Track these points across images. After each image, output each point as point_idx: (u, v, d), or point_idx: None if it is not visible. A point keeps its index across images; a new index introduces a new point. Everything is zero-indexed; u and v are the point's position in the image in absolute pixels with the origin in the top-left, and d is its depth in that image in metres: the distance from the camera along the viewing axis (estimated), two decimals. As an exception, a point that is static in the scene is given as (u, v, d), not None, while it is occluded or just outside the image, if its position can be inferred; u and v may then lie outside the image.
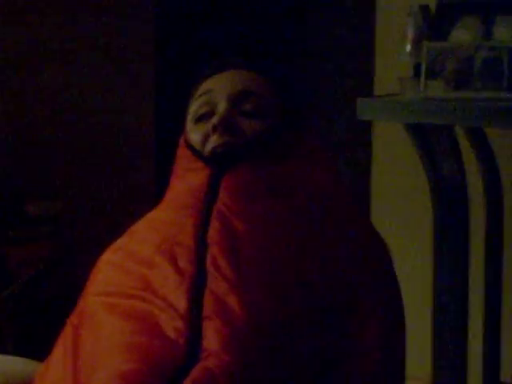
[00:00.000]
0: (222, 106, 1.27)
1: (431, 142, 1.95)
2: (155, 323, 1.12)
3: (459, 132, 2.04)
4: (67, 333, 1.23)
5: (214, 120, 1.24)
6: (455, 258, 1.94)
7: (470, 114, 1.87)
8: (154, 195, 2.53)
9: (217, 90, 1.31)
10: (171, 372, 1.05)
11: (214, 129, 1.24)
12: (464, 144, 2.02)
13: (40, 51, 2.62)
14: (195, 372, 1.03)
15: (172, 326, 1.11)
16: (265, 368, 1.12)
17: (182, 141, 1.35)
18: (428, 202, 2.06)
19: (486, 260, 2.08)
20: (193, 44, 2.95)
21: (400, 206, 2.51)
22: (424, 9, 1.90)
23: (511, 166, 2.16)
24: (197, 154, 1.29)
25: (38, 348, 1.37)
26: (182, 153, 1.35)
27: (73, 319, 1.24)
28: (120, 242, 1.32)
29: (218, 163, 1.27)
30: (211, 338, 1.08)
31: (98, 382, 1.09)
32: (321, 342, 1.15)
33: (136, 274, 1.21)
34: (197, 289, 1.14)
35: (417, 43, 1.87)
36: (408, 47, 1.90)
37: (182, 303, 1.12)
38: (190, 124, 1.32)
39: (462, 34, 1.92)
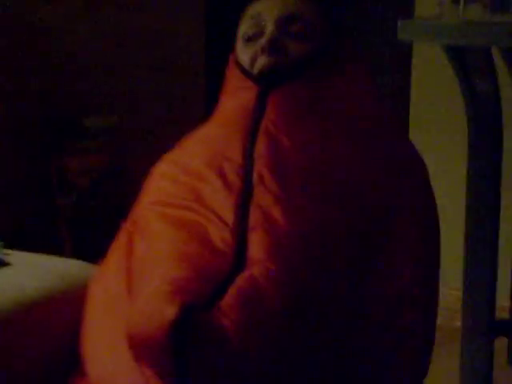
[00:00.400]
0: (269, 29, 1.34)
1: (469, 63, 2.01)
2: (204, 233, 1.21)
3: (496, 54, 2.07)
4: (121, 239, 1.33)
5: (263, 41, 1.32)
6: (489, 174, 2.04)
7: (506, 36, 1.93)
8: (203, 110, 2.72)
9: (265, 13, 1.37)
10: (218, 280, 1.13)
11: (263, 50, 1.31)
12: (500, 65, 2.09)
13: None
14: (240, 280, 1.11)
15: (220, 236, 1.18)
16: (307, 275, 1.20)
17: (231, 60, 1.43)
18: (463, 123, 2.14)
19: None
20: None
21: (437, 131, 2.61)
22: None
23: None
24: (246, 73, 1.38)
25: (94, 253, 1.44)
26: (232, 71, 1.44)
27: (127, 226, 1.34)
28: (172, 154, 1.41)
29: (265, 82, 1.34)
30: (256, 248, 1.15)
31: (149, 287, 1.17)
32: (358, 253, 1.23)
33: (187, 186, 1.30)
34: (244, 202, 1.22)
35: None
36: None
37: (229, 215, 1.20)
38: (239, 44, 1.40)
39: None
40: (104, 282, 1.32)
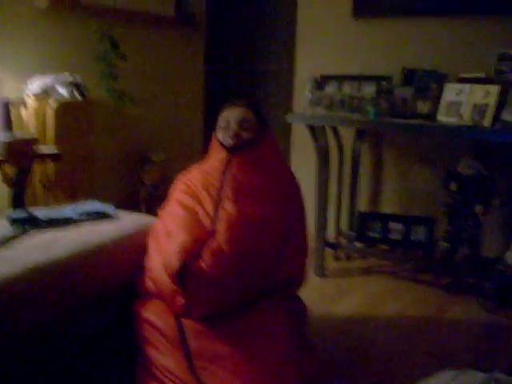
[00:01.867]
0: (233, 126, 2.23)
1: (317, 132, 3.37)
2: (199, 219, 2.05)
3: (328, 128, 3.49)
4: (160, 214, 2.24)
5: (230, 132, 2.22)
6: (323, 179, 3.45)
7: (333, 121, 3.42)
8: (201, 154, 4.04)
9: (231, 117, 2.25)
10: (202, 242, 1.94)
11: (230, 136, 2.22)
12: (329, 131, 3.49)
13: None
14: (210, 242, 1.93)
15: (206, 221, 2.03)
16: (246, 239, 1.98)
17: (214, 136, 2.31)
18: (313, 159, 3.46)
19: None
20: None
21: (303, 161, 3.83)
22: (314, 78, 3.54)
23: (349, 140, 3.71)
24: (221, 144, 2.25)
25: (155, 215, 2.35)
26: (214, 142, 2.32)
27: (163, 209, 2.26)
28: (184, 176, 2.31)
29: (230, 151, 2.22)
30: (220, 226, 1.98)
31: (172, 246, 1.96)
32: (275, 247, 2.06)
33: (193, 194, 2.17)
34: (217, 205, 2.07)
35: (311, 91, 3.47)
36: (308, 93, 3.48)
37: (211, 211, 2.05)
38: (218, 130, 2.28)
39: (329, 88, 3.52)
40: (154, 231, 2.20)
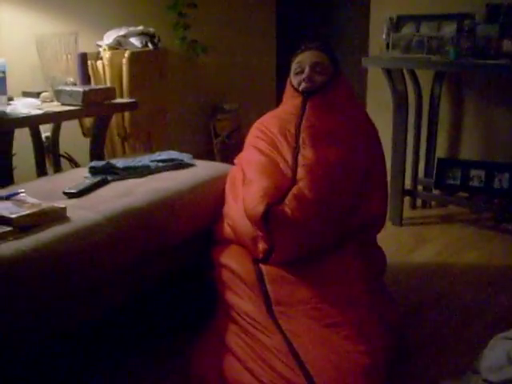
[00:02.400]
0: (306, 69, 2.21)
1: (393, 76, 3.29)
2: (278, 166, 2.07)
3: (406, 72, 3.35)
4: (237, 161, 2.28)
5: (304, 76, 2.20)
6: (401, 128, 3.34)
7: (410, 63, 3.29)
8: (274, 102, 3.97)
9: (303, 61, 2.24)
10: (284, 189, 1.96)
11: (304, 80, 2.20)
12: (406, 75, 3.37)
13: None
14: (293, 189, 1.95)
15: (285, 168, 2.05)
16: (326, 184, 1.98)
17: (288, 82, 2.32)
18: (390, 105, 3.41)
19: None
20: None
21: (379, 108, 3.71)
22: (390, 19, 3.42)
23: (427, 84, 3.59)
24: (296, 89, 2.25)
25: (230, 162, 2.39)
26: (289, 87, 2.31)
27: (239, 156, 2.30)
28: (260, 122, 2.31)
29: (305, 95, 2.21)
30: (301, 173, 2.00)
31: (253, 190, 1.97)
32: (356, 187, 2.07)
33: (270, 140, 2.18)
34: (295, 152, 2.08)
35: (387, 34, 3.35)
36: (384, 35, 3.38)
37: (289, 159, 2.07)
38: (292, 75, 2.28)
39: (406, 30, 3.38)
40: (232, 178, 2.23)
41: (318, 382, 1.58)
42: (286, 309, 1.81)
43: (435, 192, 3.61)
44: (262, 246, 1.93)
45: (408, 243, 3.17)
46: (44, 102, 2.69)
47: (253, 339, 1.77)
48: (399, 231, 3.35)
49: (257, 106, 4.13)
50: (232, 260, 2.01)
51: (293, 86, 2.27)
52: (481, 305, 2.44)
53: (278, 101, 2.44)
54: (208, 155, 3.91)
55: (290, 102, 2.27)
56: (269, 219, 1.86)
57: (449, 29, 3.24)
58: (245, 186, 2.06)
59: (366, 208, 2.12)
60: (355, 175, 2.10)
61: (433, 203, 3.77)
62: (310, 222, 1.91)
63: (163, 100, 3.44)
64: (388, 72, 3.31)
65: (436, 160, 3.59)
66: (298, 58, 2.27)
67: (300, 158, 2.06)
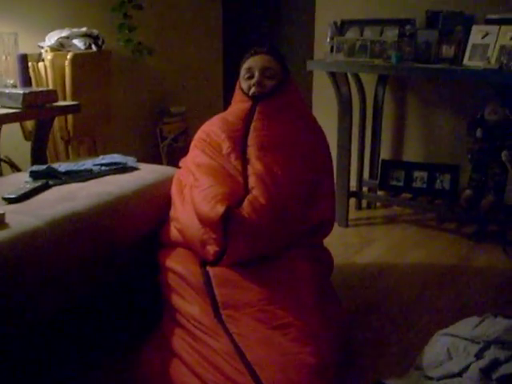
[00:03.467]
0: (256, 74, 2.20)
1: (338, 79, 3.33)
2: (229, 173, 2.06)
3: (350, 75, 3.42)
4: (182, 164, 2.29)
5: (254, 81, 2.20)
6: (346, 128, 3.37)
7: (354, 67, 3.31)
8: (222, 106, 4.04)
9: (253, 66, 2.23)
10: (240, 196, 1.96)
11: (254, 85, 2.20)
12: (350, 78, 3.44)
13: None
14: (249, 197, 1.95)
15: (237, 177, 2.04)
16: (273, 189, 1.97)
17: (237, 86, 2.30)
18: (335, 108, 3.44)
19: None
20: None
21: (324, 111, 3.73)
22: (335, 23, 3.47)
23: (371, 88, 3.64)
24: (245, 93, 2.23)
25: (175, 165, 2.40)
26: (238, 91, 2.29)
27: (183, 162, 2.29)
28: (208, 125, 2.28)
29: (254, 99, 2.20)
30: (253, 182, 2.00)
31: (207, 193, 1.93)
32: (304, 195, 2.06)
33: (219, 148, 2.13)
34: (245, 162, 2.06)
35: (332, 37, 3.39)
36: (328, 39, 3.43)
37: (239, 168, 2.06)
38: (241, 80, 2.27)
39: (350, 34, 3.43)
40: (178, 181, 2.20)
41: (266, 382, 1.57)
42: (233, 312, 1.81)
43: (380, 193, 3.68)
44: (212, 248, 1.92)
45: (354, 244, 3.23)
46: (-18, 104, 2.61)
47: (199, 343, 1.76)
48: (345, 232, 3.41)
49: (204, 109, 4.19)
50: (178, 263, 1.99)
51: (242, 90, 2.26)
52: (424, 303, 2.51)
53: (226, 103, 2.50)
54: (155, 158, 3.89)
55: (240, 105, 2.26)
56: (229, 221, 1.86)
57: (391, 33, 3.30)
58: (196, 189, 2.04)
59: (315, 214, 2.14)
60: (302, 184, 2.11)
61: (378, 204, 3.85)
62: (264, 226, 1.93)
63: (108, 103, 3.40)
64: (332, 75, 3.34)
65: (380, 162, 3.66)
66: (248, 63, 2.26)
67: (250, 167, 2.08)
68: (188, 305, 1.87)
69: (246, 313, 1.79)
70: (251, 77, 2.22)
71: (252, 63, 2.24)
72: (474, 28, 3.00)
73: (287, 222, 2.01)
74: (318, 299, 1.92)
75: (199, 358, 1.71)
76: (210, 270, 1.92)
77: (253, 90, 2.20)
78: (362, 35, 3.43)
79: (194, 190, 2.05)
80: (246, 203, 1.93)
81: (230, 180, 2.05)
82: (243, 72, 2.26)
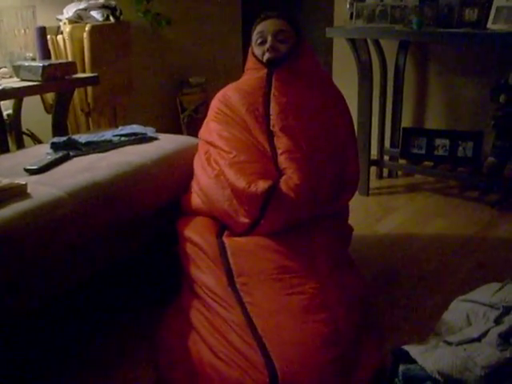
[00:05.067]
0: (269, 39, 2.15)
1: (357, 46, 3.28)
2: (260, 151, 2.03)
3: (370, 42, 3.37)
4: (201, 142, 2.23)
5: (267, 46, 2.14)
6: (367, 96, 3.32)
7: (374, 33, 3.26)
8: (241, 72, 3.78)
9: (265, 30, 2.18)
10: (274, 176, 1.96)
11: (267, 50, 2.14)
12: (371, 45, 3.38)
13: None
14: (284, 178, 1.95)
15: (266, 152, 2.03)
16: (309, 164, 1.98)
17: (250, 52, 2.25)
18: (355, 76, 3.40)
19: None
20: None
21: (345, 78, 3.51)
22: None
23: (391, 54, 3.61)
24: (259, 60, 2.19)
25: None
26: (251, 58, 2.25)
27: (201, 133, 2.25)
28: (223, 95, 2.21)
29: (270, 66, 2.15)
30: (284, 163, 1.99)
31: (248, 172, 1.93)
32: (338, 158, 2.10)
33: (242, 123, 2.10)
34: (271, 138, 2.04)
35: (351, 3, 3.32)
36: (347, 5, 3.36)
37: (266, 145, 2.03)
38: (253, 45, 2.22)
39: (370, 0, 3.33)
40: (200, 152, 2.20)
41: (275, 357, 1.56)
42: (247, 279, 1.81)
43: (401, 162, 3.65)
44: (243, 220, 1.93)
45: (375, 213, 3.21)
46: (2, 77, 2.65)
47: (213, 314, 1.77)
48: (366, 201, 3.40)
49: (224, 79, 3.95)
50: (196, 233, 1.99)
51: (255, 56, 2.21)
52: (445, 271, 2.49)
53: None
54: (175, 130, 3.87)
55: (254, 74, 2.21)
56: (272, 197, 1.87)
57: (412, -2, 3.21)
58: (226, 161, 2.02)
59: (345, 173, 2.15)
60: (335, 148, 2.10)
61: (399, 173, 3.82)
62: (300, 202, 1.94)
63: (127, 74, 3.40)
64: (352, 42, 3.28)
65: (401, 130, 3.61)
66: (259, 28, 2.20)
67: (276, 144, 2.05)
68: (204, 275, 1.88)
69: (260, 280, 1.79)
70: (264, 42, 2.17)
71: (263, 27, 2.19)
72: (499, -11, 2.90)
73: (320, 195, 2.02)
74: (334, 269, 1.91)
75: (212, 330, 1.72)
76: (226, 241, 1.93)
77: (267, 55, 2.15)
78: (382, 1, 3.33)
79: (222, 160, 2.04)
80: (282, 183, 1.94)
81: (260, 156, 2.03)
82: (255, 37, 2.20)
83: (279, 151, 2.01)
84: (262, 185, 1.86)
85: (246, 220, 1.92)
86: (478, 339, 1.60)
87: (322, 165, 2.03)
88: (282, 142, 2.02)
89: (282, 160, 2.00)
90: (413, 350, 1.62)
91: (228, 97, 2.20)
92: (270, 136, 2.05)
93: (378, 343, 1.83)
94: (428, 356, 1.57)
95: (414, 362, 1.58)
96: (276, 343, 1.59)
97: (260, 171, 1.94)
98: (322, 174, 2.02)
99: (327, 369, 1.56)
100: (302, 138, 2.03)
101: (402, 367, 1.59)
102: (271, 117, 2.07)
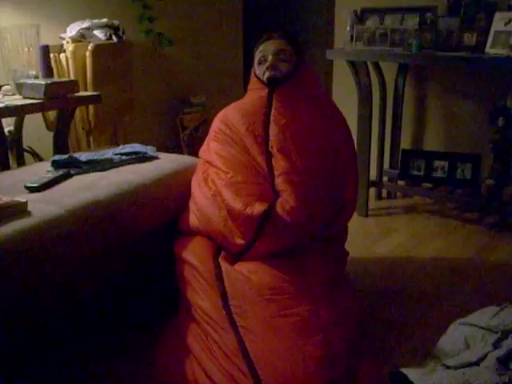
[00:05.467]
0: (270, 58, 2.17)
1: (357, 68, 3.31)
2: (256, 171, 2.03)
3: (370, 64, 3.39)
4: (201, 161, 2.23)
5: (267, 64, 2.16)
6: (366, 116, 3.37)
7: (374, 56, 3.31)
8: (242, 93, 3.99)
9: (267, 50, 2.20)
10: (270, 198, 1.95)
11: (267, 68, 2.15)
12: (370, 67, 3.40)
13: None
14: (280, 200, 1.93)
15: (263, 173, 2.02)
16: (305, 188, 1.96)
17: (252, 72, 2.27)
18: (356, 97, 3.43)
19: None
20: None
21: (345, 100, 3.54)
22: (354, 12, 3.43)
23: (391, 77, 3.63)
24: (260, 80, 2.21)
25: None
26: (253, 79, 2.26)
27: (203, 153, 2.24)
28: (224, 116, 2.21)
29: (271, 85, 2.16)
30: (281, 185, 1.97)
31: (245, 194, 1.92)
32: (336, 181, 2.08)
33: (241, 143, 2.09)
34: (269, 159, 2.03)
35: (351, 26, 3.36)
36: (348, 28, 3.40)
37: (263, 166, 2.02)
38: (255, 65, 2.23)
39: (370, 23, 3.39)
40: (198, 172, 2.18)
41: (267, 383, 1.56)
42: (241, 302, 1.80)
43: (400, 183, 3.67)
44: (238, 241, 1.93)
45: (374, 234, 3.22)
46: (5, 95, 2.67)
47: (209, 338, 1.76)
48: (365, 222, 3.41)
49: (224, 99, 3.95)
50: (193, 256, 1.99)
51: (257, 76, 2.22)
52: (443, 293, 2.49)
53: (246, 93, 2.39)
54: (175, 149, 3.89)
55: (256, 94, 2.22)
56: (268, 220, 1.87)
57: (412, 21, 3.26)
58: (223, 182, 2.02)
59: (341, 195, 2.15)
60: (333, 171, 2.10)
61: (398, 194, 3.83)
62: (296, 225, 1.93)
63: (129, 93, 3.42)
64: (352, 64, 3.31)
65: (400, 151, 3.63)
66: (261, 48, 2.22)
67: (274, 165, 2.04)
68: (200, 299, 1.87)
69: (254, 302, 1.78)
70: (265, 61, 2.18)
71: (265, 47, 2.20)
72: (497, 15, 2.95)
73: (316, 217, 2.01)
74: (328, 290, 1.91)
75: (208, 354, 1.71)
76: (222, 263, 1.93)
77: (267, 74, 2.16)
78: (382, 24, 3.39)
79: (219, 180, 2.03)
80: (278, 206, 1.93)
81: (258, 177, 2.03)
82: (257, 57, 2.22)
83: (277, 173, 2.01)
84: (258, 207, 1.86)
85: (241, 241, 1.92)
86: (477, 363, 1.60)
87: (319, 188, 2.03)
88: (279, 164, 2.02)
89: (279, 182, 1.99)
90: (411, 373, 1.62)
91: (229, 116, 2.20)
92: (269, 157, 2.04)
93: (374, 366, 1.81)
94: (427, 379, 1.56)
95: (412, 385, 1.57)
96: (269, 370, 1.58)
97: (257, 193, 1.94)
98: (319, 198, 2.02)
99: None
100: (300, 160, 2.03)
101: (399, 390, 1.58)
102: (270, 137, 2.07)
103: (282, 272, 1.87)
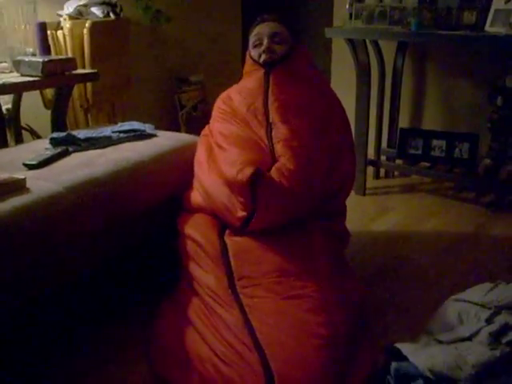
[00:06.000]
0: (265, 41, 2.20)
1: (356, 46, 3.30)
2: (257, 142, 2.07)
3: (369, 43, 3.37)
4: (205, 131, 2.28)
5: (263, 47, 2.20)
6: (365, 95, 3.35)
7: (373, 34, 3.27)
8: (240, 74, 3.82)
9: (261, 33, 2.23)
10: (268, 163, 1.96)
11: (263, 51, 2.19)
12: (369, 45, 3.40)
13: None
14: (277, 164, 1.95)
15: (263, 145, 2.05)
16: (301, 153, 1.98)
17: (247, 55, 2.31)
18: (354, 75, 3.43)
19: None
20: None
21: (343, 79, 3.77)
22: None
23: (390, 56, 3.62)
24: (256, 62, 2.24)
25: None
26: (248, 61, 2.29)
27: (205, 131, 2.28)
28: (226, 96, 2.27)
29: (267, 67, 2.20)
30: (280, 150, 2.00)
31: (235, 159, 1.92)
32: (331, 152, 2.09)
33: (243, 119, 2.15)
34: (269, 130, 2.07)
35: (351, 4, 3.32)
36: (347, 5, 3.35)
37: (264, 137, 2.07)
38: (250, 48, 2.28)
39: (369, 0, 3.36)
40: (201, 149, 2.20)
41: (272, 359, 1.56)
42: (248, 282, 1.80)
43: (398, 162, 3.66)
44: (240, 213, 1.91)
45: (371, 212, 3.23)
46: (2, 72, 2.66)
47: (213, 313, 1.77)
48: (362, 201, 3.42)
49: (222, 77, 4.13)
50: (197, 231, 1.99)
51: (253, 58, 2.24)
52: (439, 270, 2.51)
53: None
54: (174, 127, 3.87)
55: (252, 75, 2.24)
56: (257, 183, 1.84)
57: (411, -1, 3.23)
58: (223, 156, 2.02)
59: (339, 170, 2.15)
60: (328, 141, 2.11)
61: (396, 173, 3.84)
62: (293, 190, 1.91)
63: (127, 71, 3.41)
64: (351, 42, 3.30)
65: (398, 130, 3.62)
66: (256, 31, 2.24)
67: (274, 134, 2.05)
68: (204, 274, 1.87)
69: (261, 283, 1.78)
70: (260, 44, 2.20)
71: (260, 30, 2.22)
72: (497, -7, 2.92)
73: (315, 186, 2.01)
74: (334, 272, 1.91)
75: (211, 328, 1.72)
76: (228, 240, 1.92)
77: (263, 57, 2.19)
78: (381, 1, 3.37)
79: (220, 156, 2.04)
80: (273, 170, 1.92)
81: (258, 148, 2.04)
82: (252, 40, 2.24)
83: (276, 140, 2.03)
84: (247, 171, 1.84)
85: (243, 213, 1.90)
86: (470, 338, 1.62)
87: (318, 156, 2.03)
88: (280, 132, 2.04)
89: (279, 148, 2.01)
90: (405, 347, 1.64)
91: (230, 98, 2.24)
92: (269, 129, 2.07)
93: (372, 342, 1.83)
94: (420, 354, 1.58)
95: (406, 359, 1.60)
96: (274, 345, 1.59)
97: (252, 160, 1.93)
98: (318, 169, 2.02)
99: (325, 370, 1.56)
100: (300, 130, 2.04)
101: (394, 365, 1.61)
102: (270, 112, 2.09)
103: (288, 252, 1.88)
